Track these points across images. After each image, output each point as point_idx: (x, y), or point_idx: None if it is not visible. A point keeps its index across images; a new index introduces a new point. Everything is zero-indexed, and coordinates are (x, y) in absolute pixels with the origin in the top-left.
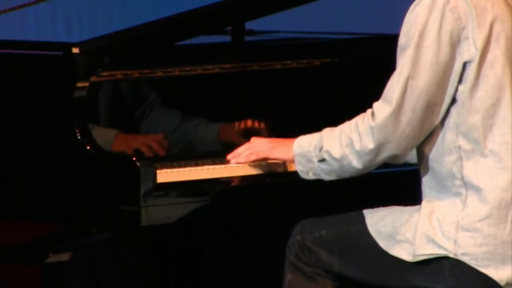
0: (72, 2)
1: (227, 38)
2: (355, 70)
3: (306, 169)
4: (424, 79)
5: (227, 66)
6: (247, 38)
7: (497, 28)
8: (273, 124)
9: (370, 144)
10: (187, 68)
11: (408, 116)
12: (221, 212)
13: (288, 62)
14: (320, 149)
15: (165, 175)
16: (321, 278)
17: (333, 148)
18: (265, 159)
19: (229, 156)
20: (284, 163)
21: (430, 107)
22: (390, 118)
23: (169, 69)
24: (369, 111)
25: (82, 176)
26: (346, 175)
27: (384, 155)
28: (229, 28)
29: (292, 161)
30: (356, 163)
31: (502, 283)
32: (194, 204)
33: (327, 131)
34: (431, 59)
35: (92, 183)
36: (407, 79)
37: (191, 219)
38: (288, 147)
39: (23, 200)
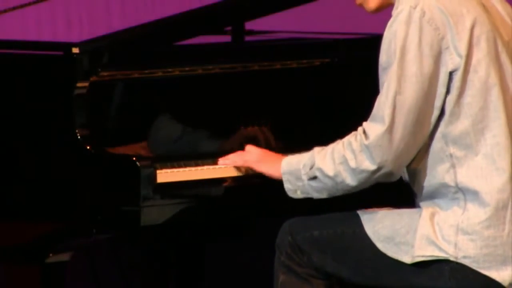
0: (72, 2)
1: (227, 38)
2: (355, 70)
3: (295, 188)
4: (411, 93)
5: (227, 66)
6: (247, 38)
7: (477, 32)
8: (273, 125)
9: (366, 163)
10: (187, 68)
11: (401, 132)
12: (221, 212)
13: (288, 62)
14: (311, 167)
15: (165, 175)
16: (315, 279)
17: (326, 166)
18: (251, 169)
19: (220, 159)
20: None
21: (420, 120)
22: (384, 136)
23: (169, 69)
24: (360, 129)
25: (82, 176)
26: (339, 193)
27: (380, 173)
28: (229, 28)
29: (278, 179)
30: (350, 181)
31: (505, 283)
32: (194, 204)
33: (318, 149)
34: (415, 73)
35: (92, 183)
36: (395, 95)
37: (191, 219)
38: (275, 164)
39: (23, 200)
